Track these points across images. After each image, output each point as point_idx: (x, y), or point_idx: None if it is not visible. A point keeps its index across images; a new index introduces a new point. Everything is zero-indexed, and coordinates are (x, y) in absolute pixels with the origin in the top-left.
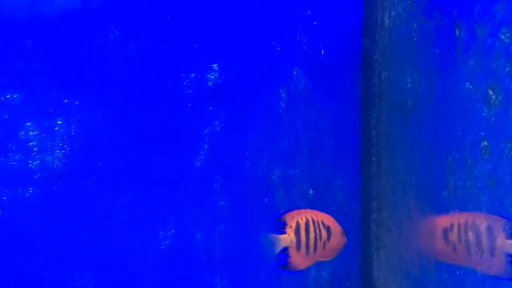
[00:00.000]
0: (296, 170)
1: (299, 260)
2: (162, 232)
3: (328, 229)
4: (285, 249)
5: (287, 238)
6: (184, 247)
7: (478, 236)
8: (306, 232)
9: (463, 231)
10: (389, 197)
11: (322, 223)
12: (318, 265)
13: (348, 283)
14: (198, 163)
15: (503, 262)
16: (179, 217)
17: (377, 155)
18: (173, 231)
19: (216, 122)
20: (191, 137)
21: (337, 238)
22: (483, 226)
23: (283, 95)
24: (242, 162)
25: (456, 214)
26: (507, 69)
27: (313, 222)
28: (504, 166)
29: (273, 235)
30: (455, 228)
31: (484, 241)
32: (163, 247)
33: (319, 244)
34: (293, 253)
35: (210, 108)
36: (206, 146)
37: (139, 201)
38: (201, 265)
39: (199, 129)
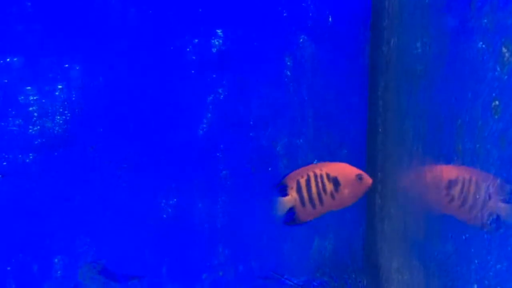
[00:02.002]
0: (301, 140)
1: (305, 215)
2: (164, 201)
3: (334, 180)
4: (291, 209)
5: (290, 199)
6: (186, 216)
7: (475, 193)
8: (308, 189)
9: (465, 186)
10: (395, 167)
11: (327, 175)
12: (321, 236)
13: (351, 254)
14: (201, 132)
15: (489, 219)
16: (181, 185)
17: (383, 124)
18: (175, 199)
19: (220, 90)
20: (194, 105)
21: (350, 186)
22: (482, 185)
23: (288, 63)
24: (245, 131)
25: (462, 168)
26: None
27: (315, 177)
28: None
29: (277, 198)
30: (459, 183)
31: (478, 198)
32: (165, 216)
33: (325, 197)
34: (299, 209)
35: (214, 76)
36: (209, 115)
37: (141, 169)
38: (203, 234)
39: (203, 97)
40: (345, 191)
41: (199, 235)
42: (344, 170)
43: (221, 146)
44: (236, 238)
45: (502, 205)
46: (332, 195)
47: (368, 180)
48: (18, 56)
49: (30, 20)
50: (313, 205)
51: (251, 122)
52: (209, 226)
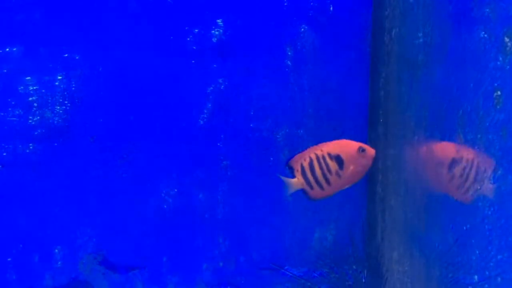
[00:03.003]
0: (301, 130)
1: (316, 194)
2: (164, 191)
3: (337, 158)
4: (301, 190)
5: (297, 182)
6: (187, 207)
7: (472, 173)
8: (312, 172)
9: (467, 167)
10: (396, 157)
11: (329, 155)
12: (322, 227)
13: (351, 245)
14: (202, 122)
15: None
16: (182, 176)
17: (385, 115)
18: (176, 190)
19: (220, 80)
20: (194, 95)
21: (354, 161)
22: (479, 165)
23: (289, 53)
24: (246, 121)
25: (464, 148)
26: None
27: (318, 159)
28: None
29: (286, 178)
30: (463, 163)
31: (473, 177)
32: (165, 206)
33: (331, 177)
34: (308, 191)
35: (215, 65)
36: (210, 105)
37: (141, 159)
38: (204, 225)
39: (203, 87)
40: (350, 167)
41: (199, 226)
42: (346, 147)
43: (222, 136)
44: (236, 229)
45: (490, 186)
46: (338, 174)
47: (371, 151)
48: (17, 46)
49: (29, 9)
50: (321, 187)
51: (252, 112)
52: (209, 216)
